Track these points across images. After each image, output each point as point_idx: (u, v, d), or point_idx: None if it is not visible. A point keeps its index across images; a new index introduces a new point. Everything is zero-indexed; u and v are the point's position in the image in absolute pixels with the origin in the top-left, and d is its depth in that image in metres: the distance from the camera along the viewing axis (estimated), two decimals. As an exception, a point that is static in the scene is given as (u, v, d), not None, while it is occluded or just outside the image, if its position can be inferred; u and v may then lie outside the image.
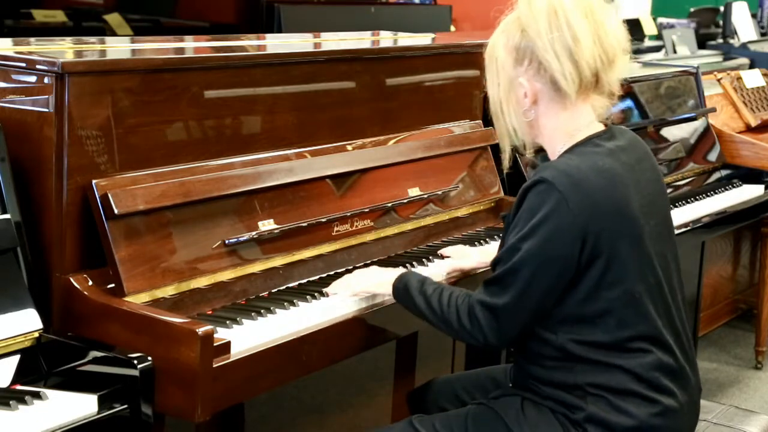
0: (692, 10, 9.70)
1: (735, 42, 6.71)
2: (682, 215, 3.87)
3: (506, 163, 2.29)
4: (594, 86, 2.12)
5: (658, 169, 2.24)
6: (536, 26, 2.09)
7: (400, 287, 2.26)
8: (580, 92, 2.11)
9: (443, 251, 2.74)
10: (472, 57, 3.24)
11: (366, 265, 2.63)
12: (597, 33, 2.10)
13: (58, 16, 4.56)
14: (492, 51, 2.19)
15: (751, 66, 5.87)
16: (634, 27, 8.68)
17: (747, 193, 4.33)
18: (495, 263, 2.11)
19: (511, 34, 2.13)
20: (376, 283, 2.36)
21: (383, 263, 2.65)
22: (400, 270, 2.34)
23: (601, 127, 2.17)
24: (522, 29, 2.11)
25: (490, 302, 2.08)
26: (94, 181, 2.13)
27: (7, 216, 2.06)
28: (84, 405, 1.90)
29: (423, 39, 3.45)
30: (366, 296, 2.38)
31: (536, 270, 2.03)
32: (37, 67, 2.13)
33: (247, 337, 2.12)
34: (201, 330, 1.96)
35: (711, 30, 8.65)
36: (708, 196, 4.16)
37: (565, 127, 2.14)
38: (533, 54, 2.10)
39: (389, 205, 2.77)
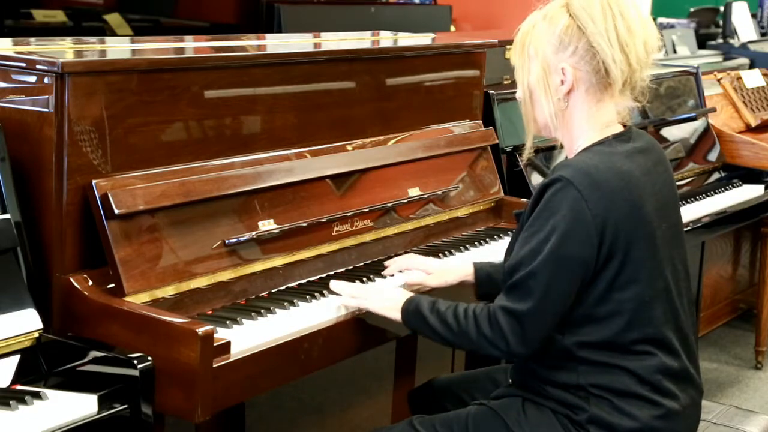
0: (692, 10, 9.70)
1: (735, 42, 6.71)
2: (682, 215, 3.86)
3: (527, 153, 2.28)
4: (630, 82, 2.12)
5: (672, 174, 2.24)
6: (590, 12, 2.08)
7: (411, 309, 2.20)
8: (622, 85, 2.11)
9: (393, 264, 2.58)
10: (472, 57, 3.24)
11: (366, 266, 2.63)
12: (645, 27, 2.12)
13: (58, 16, 4.56)
14: (526, 37, 2.16)
15: (751, 66, 5.87)
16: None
17: (747, 193, 4.33)
18: (514, 268, 2.06)
19: (555, 20, 2.11)
20: (383, 305, 2.27)
21: (384, 263, 2.65)
22: (406, 294, 2.27)
23: (620, 128, 2.17)
24: (570, 15, 2.10)
25: (514, 308, 2.04)
26: (94, 181, 2.13)
27: (7, 216, 2.06)
28: (84, 405, 1.89)
29: (423, 39, 3.45)
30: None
31: (557, 272, 2.01)
32: (37, 67, 2.13)
33: (247, 337, 2.12)
34: (201, 330, 1.96)
35: (711, 30, 8.64)
36: (708, 196, 4.17)
37: (592, 121, 2.13)
38: (582, 39, 2.08)
39: (389, 205, 2.77)
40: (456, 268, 2.53)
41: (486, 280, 2.47)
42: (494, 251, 2.84)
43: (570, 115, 2.15)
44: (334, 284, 2.39)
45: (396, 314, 2.23)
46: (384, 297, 2.29)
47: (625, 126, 2.18)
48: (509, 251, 2.15)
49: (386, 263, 2.60)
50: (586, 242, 2.01)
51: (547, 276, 2.01)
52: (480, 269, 2.49)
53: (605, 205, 2.01)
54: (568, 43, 2.10)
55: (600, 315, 2.06)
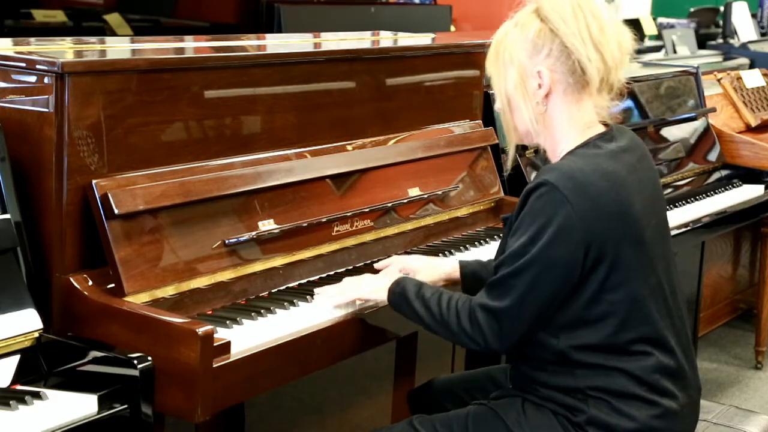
0: (692, 10, 9.71)
1: (735, 42, 6.71)
2: (682, 215, 3.87)
3: (509, 163, 2.30)
4: (607, 81, 2.12)
5: (655, 168, 2.25)
6: (561, 14, 2.09)
7: (397, 291, 2.23)
8: (599, 83, 2.11)
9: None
10: (472, 57, 3.24)
11: (366, 266, 2.63)
12: (617, 28, 2.13)
13: (58, 16, 4.56)
14: (500, 46, 2.17)
15: (751, 66, 5.87)
16: (634, 27, 8.69)
17: (747, 193, 4.33)
18: (497, 267, 2.09)
19: (527, 26, 2.12)
20: (370, 289, 2.32)
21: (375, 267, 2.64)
22: (393, 277, 2.30)
23: (601, 128, 2.17)
24: (541, 19, 2.10)
25: (492, 305, 2.06)
26: (94, 181, 2.13)
27: (7, 216, 2.06)
28: (84, 405, 1.90)
29: (423, 39, 3.45)
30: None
31: (539, 274, 2.01)
32: (37, 67, 2.13)
33: (247, 337, 2.12)
34: (201, 330, 1.96)
35: (711, 30, 8.65)
36: (708, 196, 4.17)
37: (573, 122, 2.13)
38: (556, 41, 2.09)
39: (389, 205, 2.77)
40: (441, 267, 2.51)
41: (471, 278, 2.47)
42: (494, 251, 2.84)
43: (550, 118, 2.15)
44: (318, 294, 2.37)
45: (382, 295, 2.27)
46: (369, 281, 2.34)
47: (606, 125, 2.18)
48: (498, 256, 2.15)
49: (377, 266, 2.58)
50: (571, 246, 2.00)
51: (529, 277, 2.02)
52: (465, 267, 2.49)
53: (591, 208, 2.01)
54: (542, 46, 2.10)
55: (593, 317, 2.05)
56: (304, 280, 2.49)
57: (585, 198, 2.01)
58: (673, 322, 2.13)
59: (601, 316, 2.05)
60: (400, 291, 2.23)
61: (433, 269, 2.49)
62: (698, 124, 4.42)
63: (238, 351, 2.06)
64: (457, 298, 2.14)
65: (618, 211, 2.04)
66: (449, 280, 2.49)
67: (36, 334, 2.04)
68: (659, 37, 6.74)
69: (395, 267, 2.51)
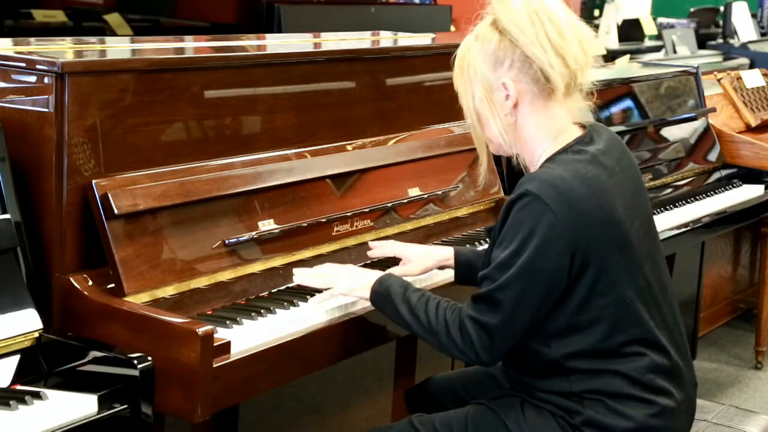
0: (692, 10, 9.72)
1: (735, 42, 6.72)
2: (682, 215, 3.87)
3: (482, 178, 2.28)
4: (574, 84, 2.12)
5: (636, 164, 2.23)
6: (518, 24, 2.08)
7: (381, 291, 2.20)
8: (566, 88, 2.10)
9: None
10: (472, 57, 3.24)
11: (366, 266, 2.63)
12: (576, 28, 2.11)
13: (58, 16, 4.56)
14: (463, 61, 2.16)
15: (751, 66, 5.88)
16: (634, 27, 8.71)
17: (747, 193, 4.33)
18: (482, 279, 2.07)
19: (486, 39, 2.11)
20: (351, 286, 2.28)
21: (383, 263, 2.65)
22: (377, 273, 2.28)
23: (578, 131, 2.16)
24: (500, 31, 2.09)
25: (482, 320, 2.04)
26: (94, 181, 2.13)
27: (7, 216, 2.06)
28: (84, 405, 1.90)
29: (423, 39, 3.45)
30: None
31: (526, 285, 2.00)
32: (37, 67, 2.13)
33: (247, 337, 2.12)
34: (201, 330, 1.96)
35: (711, 30, 8.67)
36: (708, 196, 4.16)
37: (544, 129, 2.12)
38: (517, 52, 2.08)
39: (389, 205, 2.77)
40: (436, 253, 2.51)
41: (465, 266, 2.47)
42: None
43: (520, 128, 2.13)
44: (297, 275, 2.36)
45: (364, 293, 2.23)
46: (352, 279, 2.29)
47: (584, 127, 2.17)
48: (483, 268, 2.13)
49: (371, 244, 2.59)
50: (556, 256, 1.99)
51: (516, 289, 2.00)
52: (460, 254, 2.49)
53: (574, 216, 2.00)
54: (503, 58, 2.09)
55: (583, 323, 2.05)
56: (304, 280, 2.49)
57: (567, 206, 2.00)
58: (664, 320, 2.13)
59: (592, 321, 2.05)
60: (383, 291, 2.20)
61: (427, 256, 2.50)
62: (698, 124, 4.42)
63: (238, 351, 2.06)
64: (445, 306, 2.11)
65: (600, 217, 2.03)
66: (443, 267, 2.50)
67: (36, 334, 2.04)
68: (659, 37, 6.75)
69: (388, 250, 2.53)
